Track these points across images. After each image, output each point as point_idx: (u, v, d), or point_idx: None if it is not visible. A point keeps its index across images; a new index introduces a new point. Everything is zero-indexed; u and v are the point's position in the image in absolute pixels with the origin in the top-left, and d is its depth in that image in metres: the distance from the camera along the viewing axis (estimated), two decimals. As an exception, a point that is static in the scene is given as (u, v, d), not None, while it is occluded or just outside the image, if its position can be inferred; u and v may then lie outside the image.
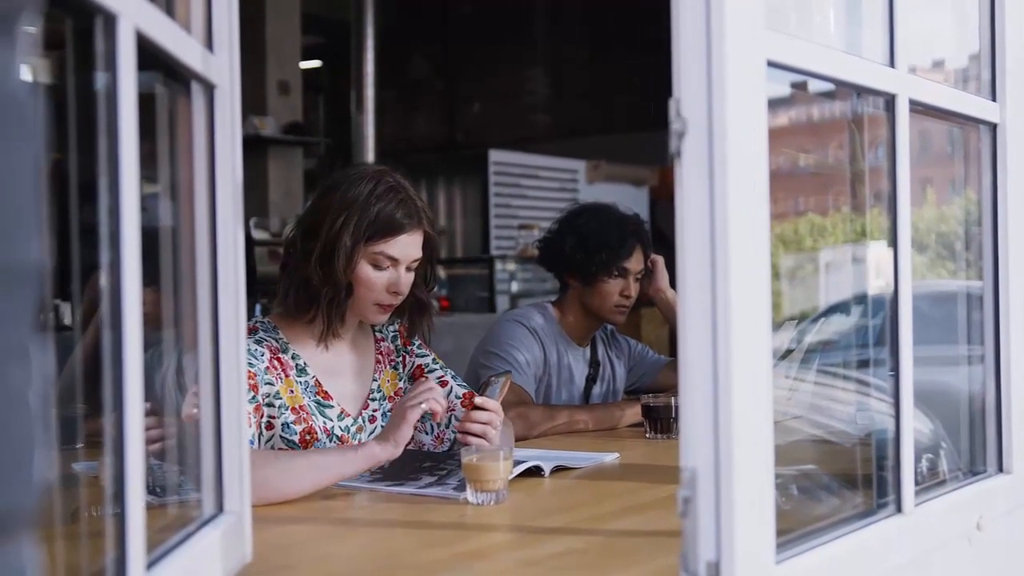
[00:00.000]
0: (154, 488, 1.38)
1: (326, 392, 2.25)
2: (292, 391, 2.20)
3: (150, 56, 1.12)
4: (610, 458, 2.37)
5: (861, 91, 1.57)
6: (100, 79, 1.03)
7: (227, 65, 1.39)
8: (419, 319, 2.36)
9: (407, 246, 2.22)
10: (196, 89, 1.35)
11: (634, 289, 3.05)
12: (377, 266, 2.20)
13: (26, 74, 0.60)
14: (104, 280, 1.02)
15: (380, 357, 2.39)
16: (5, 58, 0.58)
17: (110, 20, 1.00)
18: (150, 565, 1.10)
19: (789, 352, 2.23)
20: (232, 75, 1.40)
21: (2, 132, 0.58)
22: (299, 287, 2.21)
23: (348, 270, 2.18)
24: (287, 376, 2.20)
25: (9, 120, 0.58)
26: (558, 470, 2.20)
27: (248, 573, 1.43)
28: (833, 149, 2.06)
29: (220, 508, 1.39)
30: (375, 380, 2.36)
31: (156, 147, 1.33)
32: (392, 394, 2.37)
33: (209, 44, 1.36)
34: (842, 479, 1.73)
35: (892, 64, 1.53)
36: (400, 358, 2.42)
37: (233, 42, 1.40)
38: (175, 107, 1.35)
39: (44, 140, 0.61)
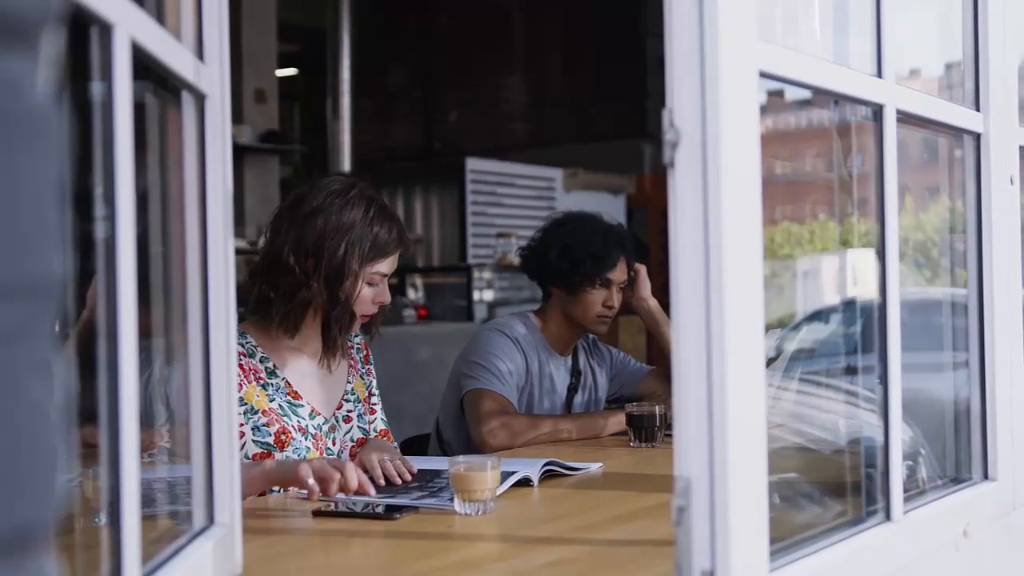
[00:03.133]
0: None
1: (296, 392, 2.31)
2: (259, 395, 2.25)
3: (141, 65, 1.12)
4: (595, 467, 2.37)
5: (850, 101, 1.58)
6: (95, 88, 1.02)
7: (218, 75, 1.39)
8: (379, 316, 2.43)
9: (395, 261, 2.36)
10: (187, 99, 1.34)
11: (617, 299, 3.05)
12: (370, 284, 2.31)
13: (48, 87, 0.60)
14: (99, 290, 1.02)
15: (352, 362, 2.49)
16: (28, 71, 0.57)
17: (106, 30, 1.00)
18: (144, 578, 1.09)
19: (771, 361, 2.24)
20: (223, 85, 1.39)
21: (26, 145, 0.57)
22: (301, 308, 2.27)
23: (355, 293, 2.28)
24: (250, 382, 2.26)
25: (33, 133, 0.57)
26: (547, 476, 2.20)
27: (238, 585, 1.43)
28: (810, 157, 2.07)
29: (211, 520, 1.38)
30: (349, 383, 2.45)
31: (146, 157, 1.33)
32: (361, 399, 2.47)
33: (200, 53, 1.36)
34: (828, 487, 1.74)
35: (879, 74, 1.54)
36: (365, 369, 2.54)
37: (223, 52, 1.40)
38: (165, 117, 1.34)
39: (66, 152, 0.61)
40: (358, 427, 2.43)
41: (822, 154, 1.94)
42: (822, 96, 1.60)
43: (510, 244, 7.74)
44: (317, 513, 1.90)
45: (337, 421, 2.39)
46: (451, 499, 1.92)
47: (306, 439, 2.27)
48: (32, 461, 0.57)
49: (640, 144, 8.91)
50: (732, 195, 1.18)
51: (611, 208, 8.01)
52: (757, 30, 1.24)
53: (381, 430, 2.48)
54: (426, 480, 2.16)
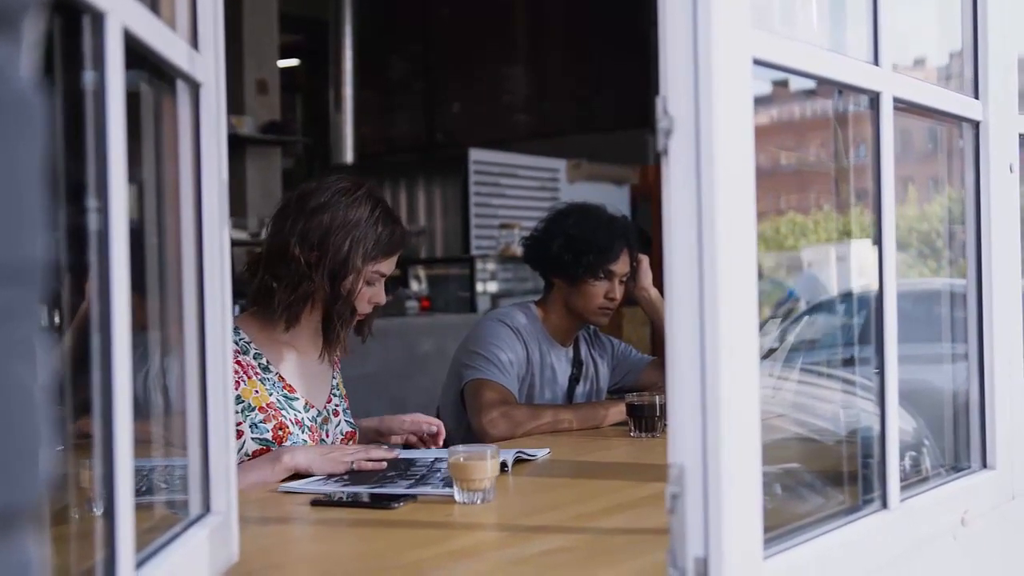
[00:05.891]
0: (138, 488, 1.37)
1: (290, 386, 2.35)
2: (257, 391, 2.28)
3: (135, 54, 1.12)
4: (541, 453, 2.39)
5: (846, 89, 1.58)
6: (87, 77, 1.02)
7: (212, 64, 1.39)
8: (372, 316, 2.45)
9: (394, 263, 2.40)
10: (181, 88, 1.34)
11: (619, 291, 3.05)
12: (369, 283, 2.35)
13: (30, 72, 0.60)
14: (92, 281, 1.02)
15: (336, 359, 2.52)
16: (9, 56, 0.58)
17: (98, 18, 1.00)
18: (139, 565, 1.09)
19: (772, 351, 2.24)
20: (217, 74, 1.39)
21: (9, 130, 0.58)
22: (302, 300, 2.30)
23: (356, 289, 2.31)
24: (250, 377, 2.28)
25: (15, 118, 0.58)
26: (519, 462, 2.26)
27: (235, 573, 1.43)
28: (815, 147, 2.07)
29: (207, 508, 1.38)
30: (334, 378, 2.49)
31: (140, 146, 1.33)
32: (344, 395, 2.52)
33: (194, 42, 1.36)
34: (827, 476, 1.74)
35: (876, 62, 1.53)
36: (339, 368, 2.56)
37: (218, 40, 1.40)
38: (160, 106, 1.34)
39: (48, 138, 0.61)
40: (345, 421, 2.48)
41: (827, 144, 1.94)
42: (825, 85, 1.60)
43: (513, 235, 7.74)
44: (315, 503, 1.90)
45: (328, 414, 2.43)
46: (444, 485, 1.92)
47: (302, 432, 2.30)
48: (15, 442, 0.57)
49: (644, 135, 8.90)
50: (725, 182, 1.18)
51: (615, 199, 8.01)
52: (752, 17, 1.24)
53: (347, 432, 2.49)
54: (403, 469, 2.16)
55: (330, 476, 2.11)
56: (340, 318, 2.33)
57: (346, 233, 2.29)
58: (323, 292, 2.30)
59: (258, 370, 2.30)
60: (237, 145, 7.45)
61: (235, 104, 7.49)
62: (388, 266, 2.37)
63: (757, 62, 1.26)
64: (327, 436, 2.39)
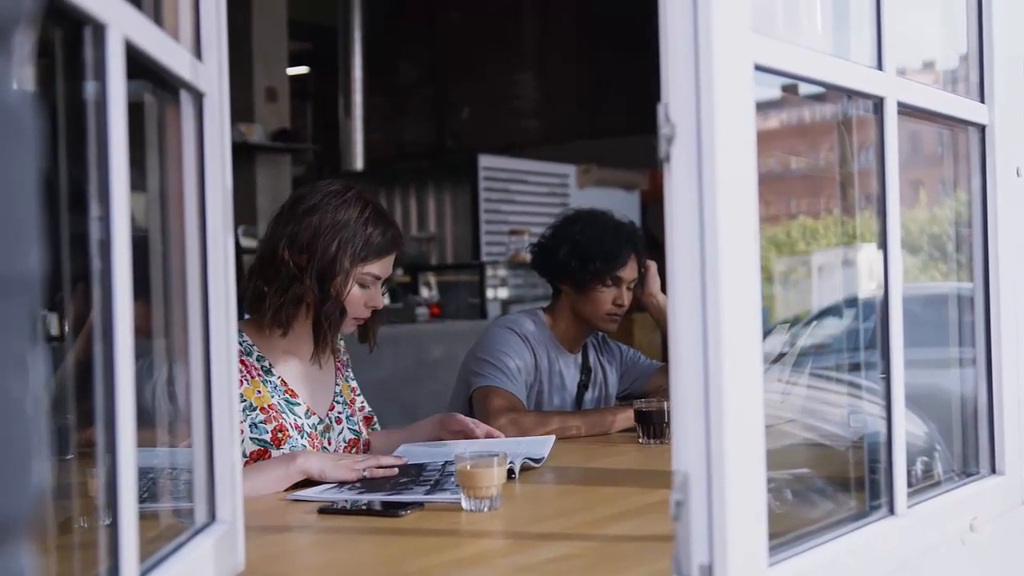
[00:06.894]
0: (143, 496, 1.38)
1: (292, 391, 2.36)
2: (259, 392, 2.29)
3: (138, 65, 1.12)
4: (546, 448, 2.41)
5: (849, 94, 1.57)
6: (89, 88, 1.03)
7: (216, 73, 1.39)
8: (375, 324, 2.46)
9: (389, 265, 2.39)
10: (185, 97, 1.34)
11: (627, 298, 3.04)
12: (362, 285, 2.35)
13: (23, 84, 0.60)
14: (95, 290, 1.02)
15: (339, 365, 2.53)
16: (2, 68, 0.58)
17: (99, 29, 1.00)
18: (143, 574, 1.10)
19: (781, 355, 2.23)
20: (221, 83, 1.40)
21: (2, 143, 0.58)
22: (293, 303, 2.31)
23: (344, 291, 2.31)
24: (253, 378, 2.30)
25: (8, 131, 0.58)
26: (525, 469, 2.25)
27: (241, 582, 1.43)
28: (825, 152, 2.06)
29: (212, 517, 1.38)
30: (337, 385, 2.49)
31: (144, 156, 1.33)
32: (348, 401, 2.51)
33: (198, 52, 1.36)
34: (835, 482, 1.73)
35: (880, 67, 1.53)
36: (348, 371, 2.57)
37: (222, 50, 1.40)
38: (163, 116, 1.35)
39: (41, 150, 0.62)
40: (348, 428, 2.48)
41: (836, 148, 1.94)
42: (830, 90, 1.59)
43: (523, 241, 7.73)
44: (322, 511, 1.90)
45: (331, 422, 2.43)
46: (455, 491, 1.92)
47: (301, 437, 2.30)
48: (7, 454, 0.57)
49: (653, 139, 8.86)
50: (727, 189, 1.18)
51: (625, 204, 8.01)
52: (753, 23, 1.24)
53: (366, 417, 2.54)
54: (415, 475, 2.16)
55: (342, 484, 2.11)
56: (328, 319, 2.32)
57: (334, 234, 2.29)
58: (313, 294, 2.30)
59: (260, 372, 2.31)
60: (247, 153, 7.46)
61: (245, 112, 7.50)
62: (381, 268, 2.36)
63: (759, 68, 1.25)
64: (329, 444, 2.39)
